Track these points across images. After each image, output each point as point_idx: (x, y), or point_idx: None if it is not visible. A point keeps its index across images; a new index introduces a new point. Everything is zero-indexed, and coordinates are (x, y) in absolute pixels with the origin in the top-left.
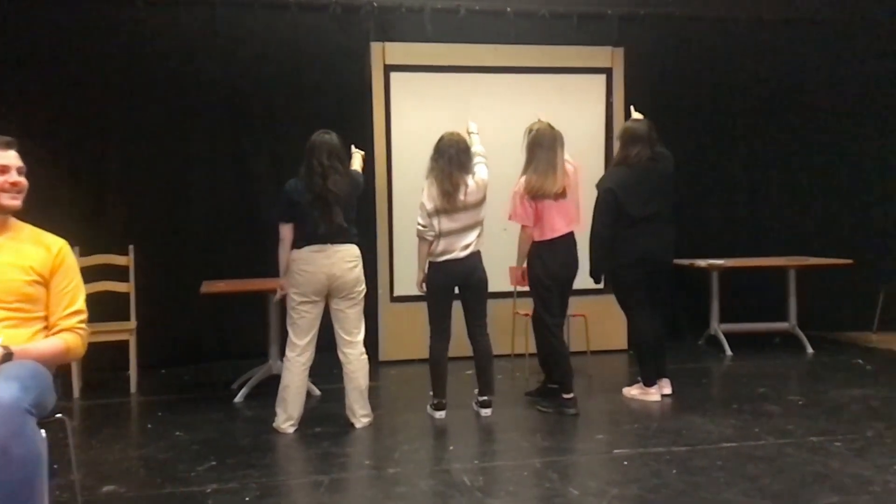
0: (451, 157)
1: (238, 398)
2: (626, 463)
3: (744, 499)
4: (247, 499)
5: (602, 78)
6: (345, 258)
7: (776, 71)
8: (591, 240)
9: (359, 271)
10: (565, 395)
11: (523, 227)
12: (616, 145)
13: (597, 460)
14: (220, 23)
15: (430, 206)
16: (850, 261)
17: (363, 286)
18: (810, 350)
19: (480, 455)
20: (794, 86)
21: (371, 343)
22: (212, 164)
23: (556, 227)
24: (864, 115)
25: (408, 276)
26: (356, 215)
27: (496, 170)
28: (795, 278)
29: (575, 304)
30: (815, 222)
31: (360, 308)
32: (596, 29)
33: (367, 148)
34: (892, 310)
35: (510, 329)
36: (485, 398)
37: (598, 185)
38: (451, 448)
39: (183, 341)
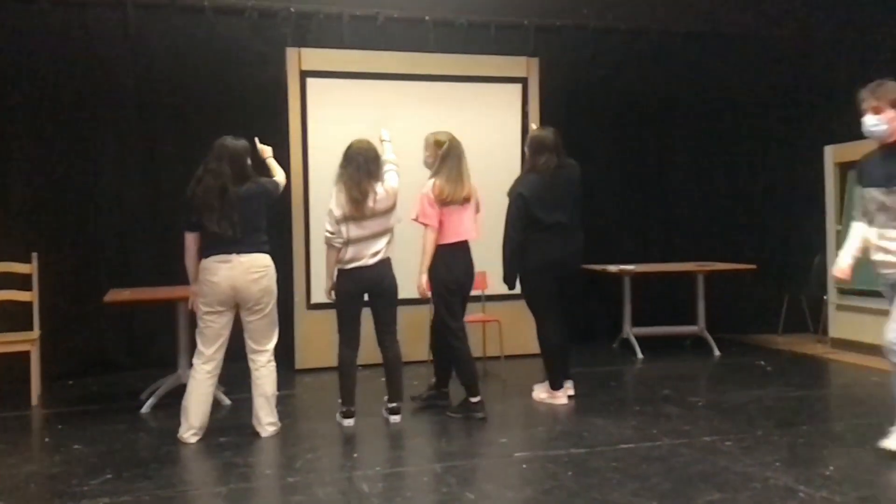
0: (360, 165)
1: (144, 408)
2: (524, 466)
3: (632, 498)
4: None
5: (518, 87)
6: (249, 269)
7: (685, 81)
8: (503, 245)
9: (266, 282)
10: (472, 400)
11: (429, 228)
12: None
13: (497, 464)
14: (132, 25)
15: (338, 212)
16: (753, 266)
17: (271, 297)
18: (717, 353)
19: (383, 461)
20: (702, 96)
21: (287, 351)
22: (122, 170)
23: (459, 231)
24: (769, 125)
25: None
26: (266, 223)
27: (413, 177)
28: (704, 283)
29: (489, 309)
30: (722, 229)
31: (268, 319)
32: (513, 39)
33: (283, 154)
34: (797, 313)
35: (480, 332)
36: (394, 405)
37: (509, 192)
38: (356, 455)
39: (92, 351)
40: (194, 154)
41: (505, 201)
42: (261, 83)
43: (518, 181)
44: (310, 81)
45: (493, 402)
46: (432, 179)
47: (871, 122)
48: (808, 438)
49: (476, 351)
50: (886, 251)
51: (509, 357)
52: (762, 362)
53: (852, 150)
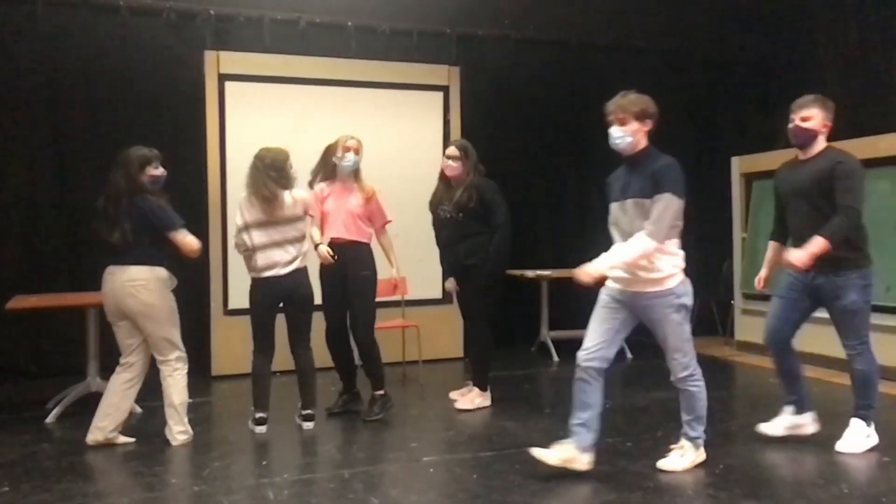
0: (268, 168)
1: (50, 418)
2: (431, 470)
3: (531, 499)
4: None
5: (440, 95)
6: (125, 282)
7: (603, 92)
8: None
9: (145, 296)
10: (380, 393)
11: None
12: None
13: (405, 468)
14: (42, 22)
15: (240, 221)
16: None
17: (154, 310)
18: (629, 355)
19: (292, 468)
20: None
21: (204, 357)
22: (29, 172)
23: None
24: (681, 135)
25: (242, 289)
26: (158, 236)
27: None
28: None
29: (408, 314)
30: None
31: (160, 333)
32: (435, 47)
33: (201, 157)
34: (708, 316)
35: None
36: (307, 412)
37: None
38: (265, 463)
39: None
40: (108, 156)
41: (420, 205)
42: (178, 85)
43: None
44: (228, 85)
45: (410, 406)
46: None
47: (616, 134)
48: (706, 438)
49: (395, 356)
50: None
51: (427, 361)
52: None
53: (758, 161)
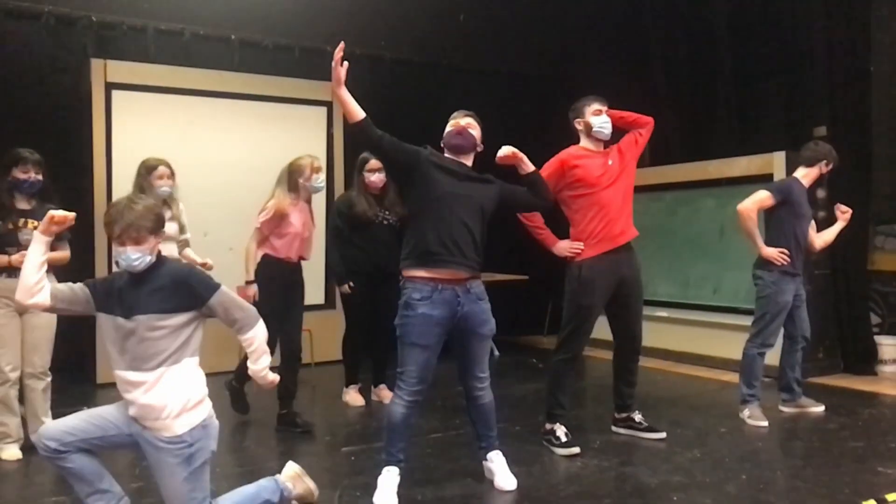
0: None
1: None
2: (353, 458)
3: (448, 475)
4: None
5: (323, 110)
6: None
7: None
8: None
9: None
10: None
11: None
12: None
13: (329, 458)
14: None
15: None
16: (525, 276)
17: None
18: (497, 352)
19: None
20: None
21: (88, 365)
22: None
23: None
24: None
25: None
26: None
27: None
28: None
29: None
30: (501, 243)
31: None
32: (317, 63)
33: (87, 165)
34: (559, 317)
35: None
36: None
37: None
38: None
39: None
40: None
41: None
42: (59, 93)
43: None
44: (115, 94)
45: (315, 403)
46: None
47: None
48: (579, 422)
49: None
50: None
51: (319, 364)
52: (535, 360)
53: None
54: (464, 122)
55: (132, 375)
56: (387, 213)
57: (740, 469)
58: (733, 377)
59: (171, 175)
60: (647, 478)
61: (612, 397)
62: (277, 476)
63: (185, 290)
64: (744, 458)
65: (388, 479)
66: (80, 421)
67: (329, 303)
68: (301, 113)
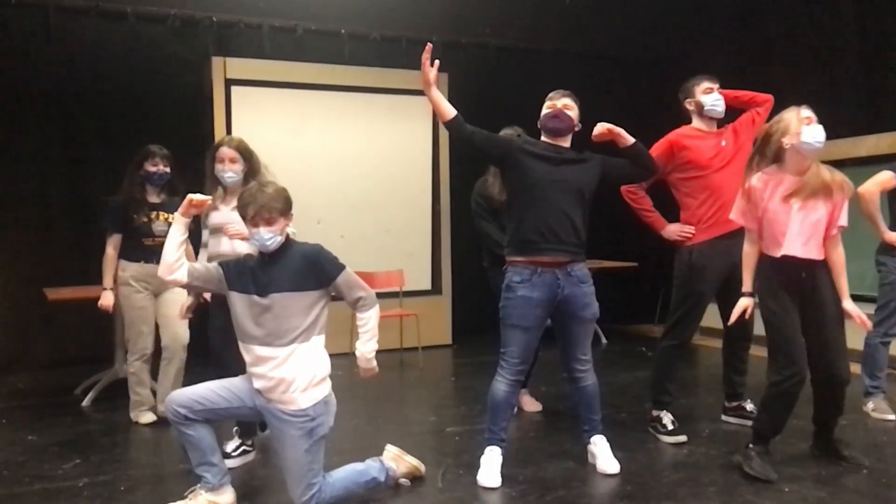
0: None
1: (86, 402)
2: (457, 438)
3: (549, 457)
4: (121, 488)
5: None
6: None
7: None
8: None
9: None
10: None
11: None
12: None
13: (431, 438)
14: (55, 28)
15: None
16: (635, 264)
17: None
18: (605, 340)
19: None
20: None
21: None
22: (42, 174)
23: None
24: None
25: None
26: None
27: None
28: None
29: (405, 304)
30: (612, 231)
31: None
32: (422, 54)
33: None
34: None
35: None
36: None
37: None
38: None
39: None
40: (116, 156)
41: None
42: (182, 90)
43: None
44: (234, 90)
45: (419, 387)
46: None
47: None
48: (688, 411)
49: (392, 343)
50: None
51: (425, 348)
52: (644, 348)
53: None
54: (560, 104)
55: (265, 351)
56: None
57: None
58: (856, 368)
59: (237, 161)
60: None
61: (722, 385)
62: (381, 457)
63: (315, 268)
64: (866, 453)
65: (492, 458)
66: (209, 391)
67: (435, 288)
68: (408, 104)
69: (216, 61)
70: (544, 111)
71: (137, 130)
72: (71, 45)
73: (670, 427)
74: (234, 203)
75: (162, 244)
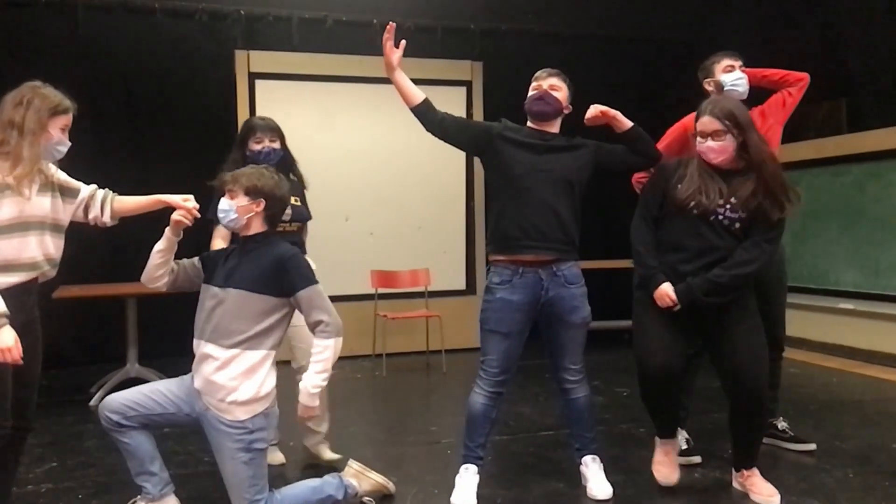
0: None
1: (93, 401)
2: (449, 452)
3: (540, 478)
4: (79, 496)
5: (463, 90)
6: None
7: (625, 83)
8: None
9: None
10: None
11: None
12: None
13: (426, 451)
14: (83, 25)
15: None
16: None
17: None
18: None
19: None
20: (643, 101)
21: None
22: (70, 171)
23: None
24: None
25: None
26: None
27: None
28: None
29: (431, 305)
30: (618, 228)
31: None
32: (458, 42)
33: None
34: None
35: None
36: None
37: None
38: (291, 444)
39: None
40: (144, 150)
41: (444, 198)
42: (210, 84)
43: None
44: (258, 83)
45: (435, 392)
46: None
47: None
48: (710, 426)
49: (419, 345)
50: None
51: (449, 351)
52: None
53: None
54: (546, 85)
55: (209, 348)
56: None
57: None
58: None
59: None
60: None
61: None
62: (342, 473)
63: (280, 274)
64: None
65: (467, 479)
66: (143, 396)
67: (470, 288)
68: (441, 94)
69: (239, 55)
70: (530, 93)
71: (166, 125)
72: (99, 42)
73: (684, 446)
74: None
75: (284, 231)
